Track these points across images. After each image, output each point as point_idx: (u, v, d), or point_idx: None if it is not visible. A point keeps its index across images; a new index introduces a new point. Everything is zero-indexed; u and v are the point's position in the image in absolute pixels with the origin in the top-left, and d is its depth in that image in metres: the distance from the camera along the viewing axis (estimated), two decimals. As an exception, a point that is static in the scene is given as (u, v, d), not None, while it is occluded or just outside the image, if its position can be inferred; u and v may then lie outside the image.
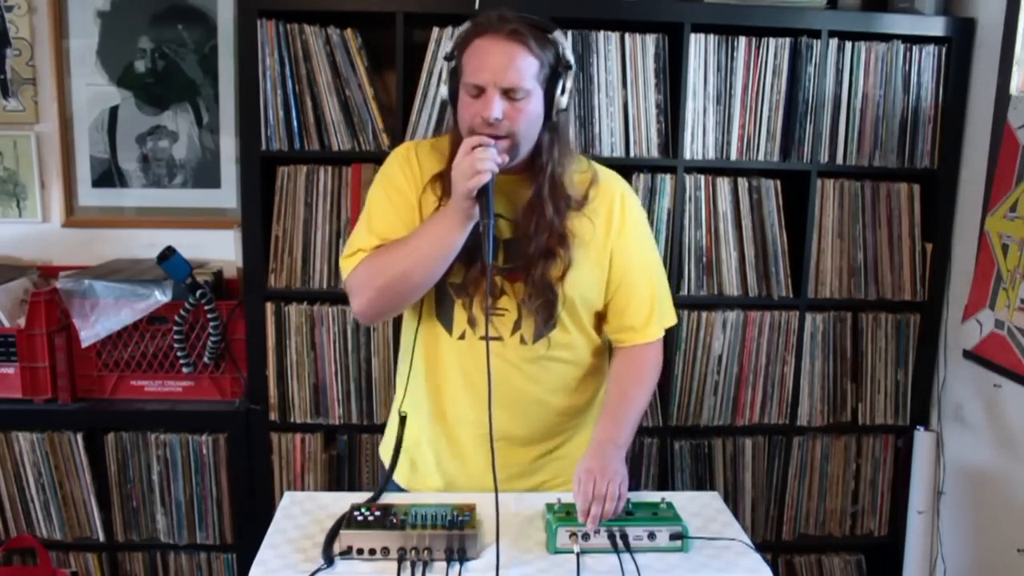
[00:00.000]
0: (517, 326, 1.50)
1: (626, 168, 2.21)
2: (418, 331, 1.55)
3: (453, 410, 1.55)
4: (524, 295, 1.47)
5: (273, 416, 2.27)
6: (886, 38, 2.22)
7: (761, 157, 2.24)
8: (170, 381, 2.32)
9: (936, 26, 2.22)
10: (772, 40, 2.19)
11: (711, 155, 2.22)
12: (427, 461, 1.60)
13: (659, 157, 2.21)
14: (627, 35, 2.16)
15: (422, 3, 2.13)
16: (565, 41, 1.43)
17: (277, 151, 2.16)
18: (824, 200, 2.28)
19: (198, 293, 2.20)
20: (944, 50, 2.25)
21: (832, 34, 2.19)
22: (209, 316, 2.23)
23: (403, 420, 1.57)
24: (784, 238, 2.28)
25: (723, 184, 2.25)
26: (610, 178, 1.57)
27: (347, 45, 2.13)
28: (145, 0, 2.40)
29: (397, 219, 1.49)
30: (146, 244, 2.42)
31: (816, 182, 2.25)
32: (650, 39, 2.17)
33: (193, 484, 2.29)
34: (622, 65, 2.17)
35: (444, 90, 1.46)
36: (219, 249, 2.47)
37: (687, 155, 2.20)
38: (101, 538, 2.31)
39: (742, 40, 2.19)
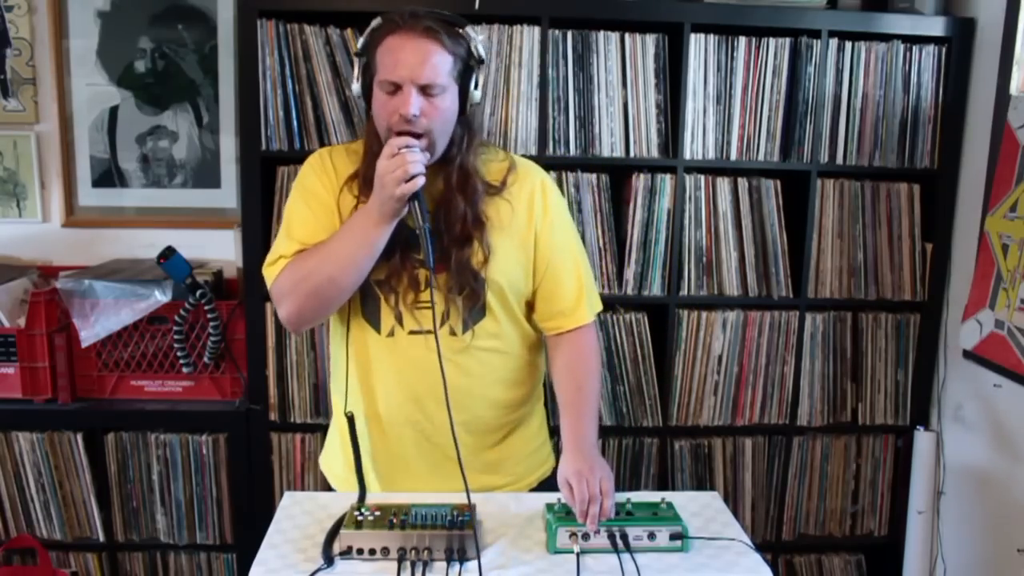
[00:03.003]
0: (445, 317, 1.49)
1: (626, 168, 2.22)
2: (346, 333, 1.53)
3: (387, 410, 1.54)
4: (448, 285, 1.47)
5: (273, 416, 2.27)
6: (886, 38, 2.22)
7: (761, 157, 2.24)
8: (170, 381, 2.32)
9: (936, 26, 2.22)
10: (772, 40, 2.19)
11: (711, 155, 2.22)
12: (364, 466, 1.57)
13: (659, 157, 2.21)
14: (627, 35, 2.16)
15: (422, 3, 2.12)
16: (477, 36, 1.43)
17: (277, 151, 2.16)
18: (824, 200, 2.28)
19: (198, 293, 2.20)
20: (944, 50, 2.25)
21: (832, 34, 2.19)
22: (209, 316, 2.23)
23: (351, 420, 1.54)
24: (784, 238, 2.28)
25: (723, 184, 2.25)
26: (529, 167, 1.58)
27: (347, 45, 2.13)
28: (145, 0, 2.40)
29: (317, 224, 1.48)
30: (146, 244, 2.43)
31: (816, 182, 2.25)
32: (650, 39, 2.18)
33: (193, 484, 2.29)
34: (622, 65, 2.17)
35: (356, 87, 1.45)
36: (219, 249, 2.47)
37: (687, 155, 2.20)
38: (101, 538, 2.31)
39: (742, 40, 2.19)
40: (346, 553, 1.30)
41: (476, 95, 1.45)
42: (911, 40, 2.23)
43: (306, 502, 1.51)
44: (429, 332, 1.46)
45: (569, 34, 2.14)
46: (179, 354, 2.26)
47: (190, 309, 2.22)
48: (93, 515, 2.29)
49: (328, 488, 1.66)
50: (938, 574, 2.34)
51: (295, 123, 2.15)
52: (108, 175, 2.49)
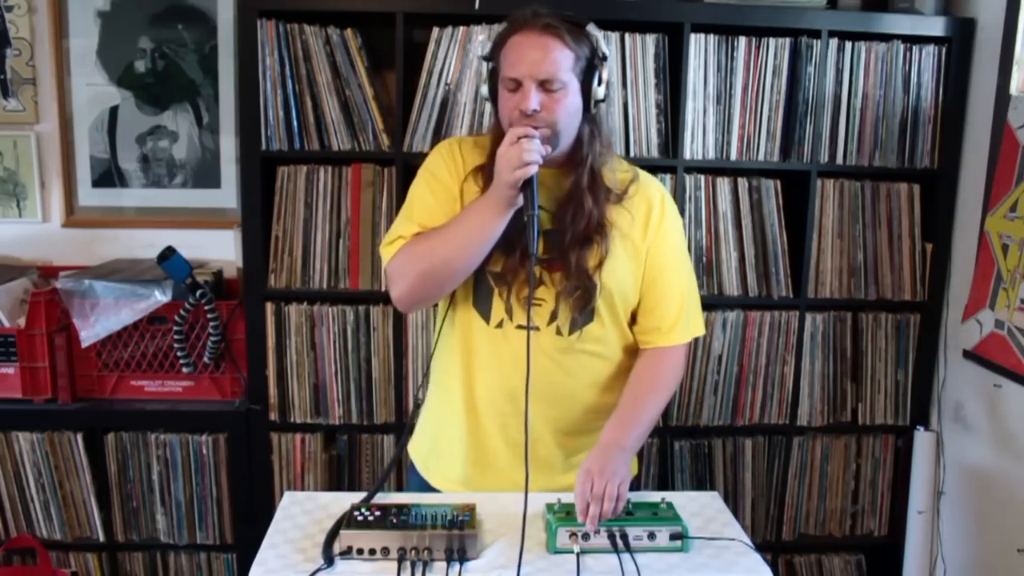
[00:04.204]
0: (554, 316, 1.50)
1: (626, 168, 2.22)
2: (455, 320, 1.55)
3: (484, 400, 1.55)
4: (561, 284, 1.48)
5: (273, 416, 2.27)
6: (886, 38, 2.22)
7: (761, 157, 2.24)
8: (170, 381, 2.32)
9: (936, 26, 2.22)
10: (772, 40, 2.19)
11: (711, 155, 2.22)
12: (451, 452, 1.60)
13: (659, 157, 2.21)
14: (627, 35, 2.16)
15: (422, 3, 2.13)
16: (599, 34, 1.45)
17: (277, 151, 2.16)
18: (824, 200, 2.28)
19: (198, 293, 2.20)
20: (944, 50, 2.25)
21: (832, 34, 2.19)
22: (209, 316, 2.23)
23: (417, 407, 1.58)
24: (784, 238, 2.28)
25: (723, 184, 2.25)
26: (652, 180, 1.60)
27: (347, 45, 2.13)
28: (145, 0, 2.40)
29: (438, 208, 1.50)
30: (146, 244, 2.43)
31: (816, 182, 2.25)
32: (650, 39, 2.17)
33: (193, 484, 2.29)
34: (622, 65, 2.17)
35: (484, 89, 1.48)
36: (219, 249, 2.47)
37: (687, 155, 2.20)
38: (101, 538, 2.31)
39: (742, 40, 2.19)
40: (346, 553, 1.30)
41: (600, 92, 1.45)
42: (911, 40, 2.23)
43: (306, 502, 1.51)
44: (536, 328, 1.48)
45: (569, 34, 2.14)
46: (179, 354, 2.26)
47: (190, 309, 2.22)
48: (93, 515, 2.29)
49: (409, 472, 1.69)
50: (938, 574, 2.34)
51: (295, 123, 2.15)
52: (108, 175, 2.49)
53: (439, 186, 1.53)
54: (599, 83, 1.45)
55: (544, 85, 1.39)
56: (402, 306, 1.54)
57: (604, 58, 1.45)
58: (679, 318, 1.57)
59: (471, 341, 1.54)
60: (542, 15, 1.41)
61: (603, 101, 1.47)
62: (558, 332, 1.51)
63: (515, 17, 1.44)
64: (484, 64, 1.50)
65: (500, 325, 1.51)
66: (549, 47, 1.39)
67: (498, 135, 1.46)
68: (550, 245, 1.48)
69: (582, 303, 1.49)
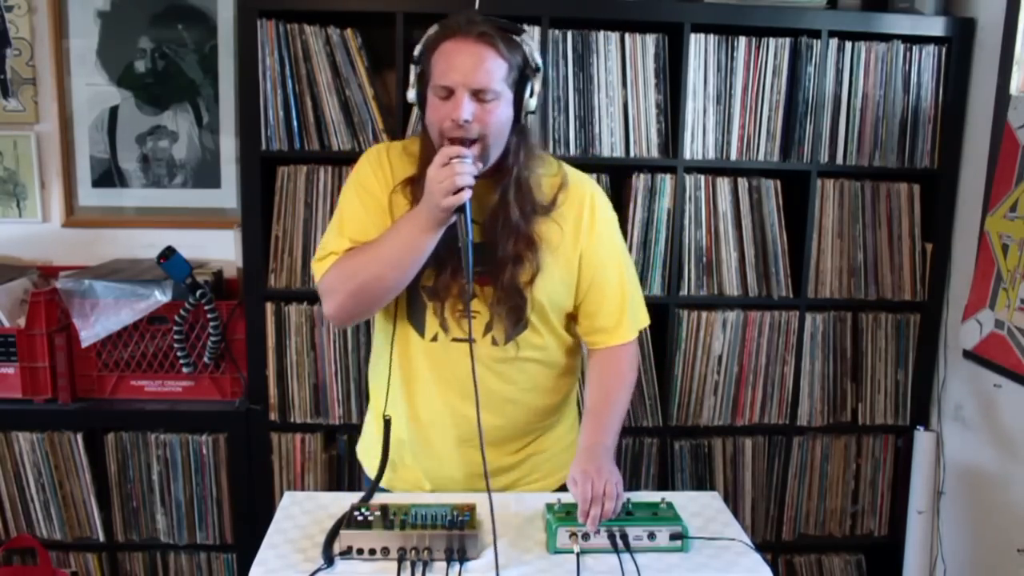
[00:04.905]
0: (488, 328, 1.50)
1: (626, 168, 2.22)
2: (391, 333, 1.55)
3: (427, 412, 1.55)
4: (493, 299, 1.48)
5: (273, 416, 2.27)
6: (886, 38, 2.22)
7: (761, 157, 2.24)
8: (170, 381, 2.32)
9: (936, 26, 2.22)
10: (772, 40, 2.19)
11: (711, 155, 2.22)
12: (405, 461, 1.61)
13: (659, 157, 2.21)
14: (627, 35, 2.16)
15: (422, 3, 2.13)
16: (533, 43, 1.43)
17: (277, 151, 2.16)
18: (824, 200, 2.28)
19: (198, 293, 2.20)
20: (944, 50, 2.25)
21: (832, 34, 2.19)
22: (209, 316, 2.23)
23: (388, 424, 1.56)
24: (784, 238, 2.28)
25: (723, 184, 2.25)
26: (580, 181, 1.57)
27: (347, 45, 2.13)
28: (145, 0, 2.40)
29: (368, 220, 1.48)
30: (146, 244, 2.43)
31: (816, 182, 2.25)
32: (650, 39, 2.17)
33: (193, 484, 2.29)
34: (622, 65, 2.17)
35: (412, 93, 1.45)
36: (219, 249, 2.47)
37: (687, 155, 2.20)
38: (101, 538, 2.31)
39: (742, 40, 2.19)
40: (346, 553, 1.30)
41: (532, 103, 1.43)
42: (911, 40, 2.23)
43: (306, 502, 1.51)
44: (473, 340, 1.46)
45: (569, 34, 2.14)
46: (179, 354, 2.26)
47: (190, 309, 2.22)
48: (93, 515, 2.29)
49: (365, 476, 1.68)
50: (938, 574, 2.34)
51: (295, 123, 2.15)
52: (108, 175, 2.49)
53: (369, 197, 1.50)
54: (531, 95, 1.43)
55: (477, 95, 1.36)
56: (336, 322, 1.54)
57: (537, 69, 1.43)
58: (623, 316, 1.56)
59: (408, 354, 1.54)
60: (477, 22, 1.38)
61: (533, 112, 1.45)
62: (494, 342, 1.51)
63: (448, 22, 1.41)
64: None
65: (435, 339, 1.51)
66: (483, 56, 1.36)
67: (426, 142, 1.44)
68: (480, 259, 1.45)
69: (515, 317, 1.49)
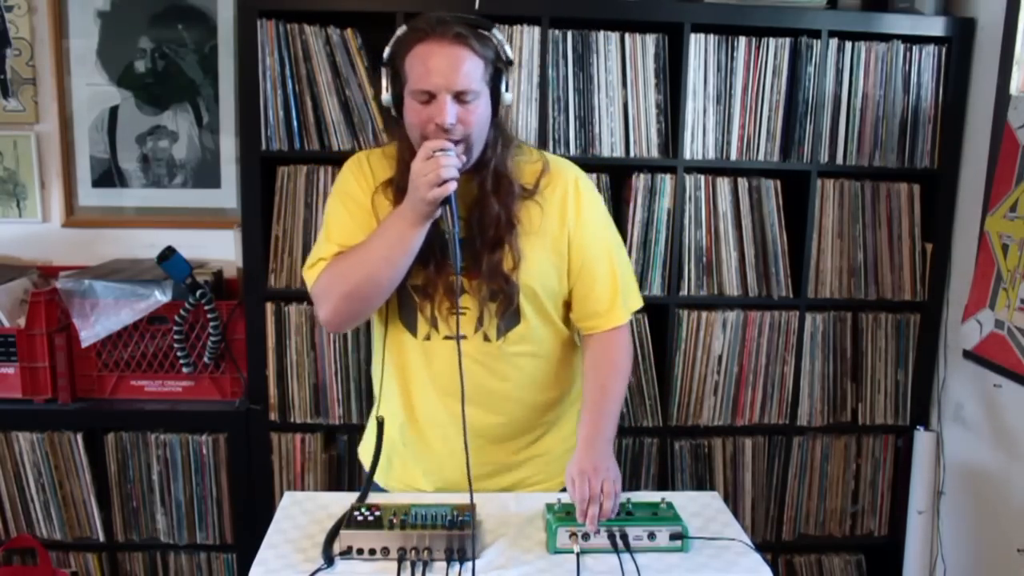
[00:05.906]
0: (480, 323, 1.50)
1: (626, 168, 2.22)
2: (387, 335, 1.55)
3: (423, 412, 1.56)
4: (482, 292, 1.48)
5: (273, 416, 2.27)
6: (886, 38, 2.22)
7: (761, 157, 2.24)
8: (170, 381, 2.32)
9: (936, 26, 2.22)
10: (772, 40, 2.19)
11: (711, 155, 2.22)
12: (404, 461, 1.61)
13: (659, 157, 2.21)
14: (627, 35, 2.16)
15: (422, 3, 2.12)
16: (502, 37, 1.43)
17: (277, 151, 2.16)
18: (824, 200, 2.28)
19: (198, 293, 2.20)
20: (944, 50, 2.25)
21: (832, 34, 2.19)
22: (209, 316, 2.23)
23: (380, 424, 1.57)
24: (784, 238, 2.28)
25: (723, 184, 2.25)
26: (562, 166, 1.57)
27: (347, 45, 2.13)
28: (145, 0, 2.40)
29: (355, 226, 1.49)
30: (146, 244, 2.43)
31: (816, 182, 2.25)
32: (650, 39, 2.18)
33: (193, 484, 2.29)
34: (622, 65, 2.17)
35: (386, 97, 1.43)
36: (219, 249, 2.47)
37: (687, 155, 2.20)
38: (101, 538, 2.31)
39: (742, 40, 2.19)
40: (346, 553, 1.30)
41: (507, 97, 1.44)
42: (911, 40, 2.23)
43: (306, 502, 1.51)
44: (462, 337, 1.46)
45: (569, 34, 2.14)
46: (179, 354, 2.26)
47: (190, 309, 2.22)
48: (93, 515, 2.29)
49: (365, 476, 1.67)
50: (938, 574, 2.35)
51: (295, 123, 2.15)
52: (108, 175, 2.49)
53: (353, 203, 1.51)
54: (506, 89, 1.43)
55: (459, 97, 1.36)
56: (331, 327, 1.53)
57: (509, 62, 1.43)
58: (615, 299, 1.56)
59: (403, 355, 1.55)
60: (449, 22, 1.36)
61: (509, 106, 1.46)
62: (485, 338, 1.50)
63: (419, 23, 1.38)
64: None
65: (428, 338, 1.51)
66: (461, 57, 1.35)
67: (405, 146, 1.44)
68: (465, 253, 1.45)
69: (504, 307, 1.49)
